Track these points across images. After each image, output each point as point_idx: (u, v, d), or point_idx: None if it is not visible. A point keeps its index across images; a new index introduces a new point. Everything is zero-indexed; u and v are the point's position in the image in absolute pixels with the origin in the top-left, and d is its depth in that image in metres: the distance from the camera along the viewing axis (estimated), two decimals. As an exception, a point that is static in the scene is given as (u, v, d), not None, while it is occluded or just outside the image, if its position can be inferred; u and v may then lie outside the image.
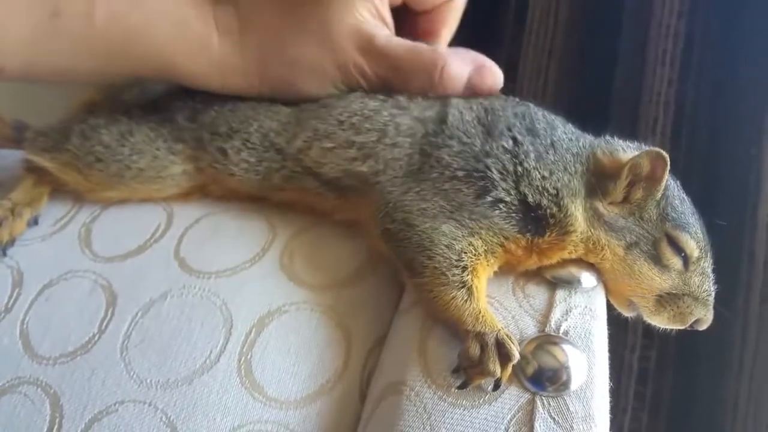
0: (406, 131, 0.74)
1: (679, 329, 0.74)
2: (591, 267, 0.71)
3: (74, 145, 0.80)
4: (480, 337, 0.63)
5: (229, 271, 0.75)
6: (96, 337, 0.71)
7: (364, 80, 0.76)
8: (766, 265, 0.93)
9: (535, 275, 0.71)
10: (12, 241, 0.77)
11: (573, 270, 0.70)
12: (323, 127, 0.76)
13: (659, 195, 0.70)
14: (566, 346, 0.63)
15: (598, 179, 0.72)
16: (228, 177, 0.79)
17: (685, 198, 0.73)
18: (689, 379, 1.03)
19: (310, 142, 0.76)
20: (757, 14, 0.98)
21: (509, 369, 0.62)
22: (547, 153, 0.71)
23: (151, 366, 0.69)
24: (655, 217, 0.71)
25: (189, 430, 0.66)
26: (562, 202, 0.69)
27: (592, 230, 0.70)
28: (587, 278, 0.70)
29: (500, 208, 0.69)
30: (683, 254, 0.71)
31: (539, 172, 0.70)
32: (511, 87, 1.15)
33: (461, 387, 0.62)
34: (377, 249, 0.74)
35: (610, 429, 0.63)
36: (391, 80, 0.76)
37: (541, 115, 0.75)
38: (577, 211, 0.70)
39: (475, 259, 0.68)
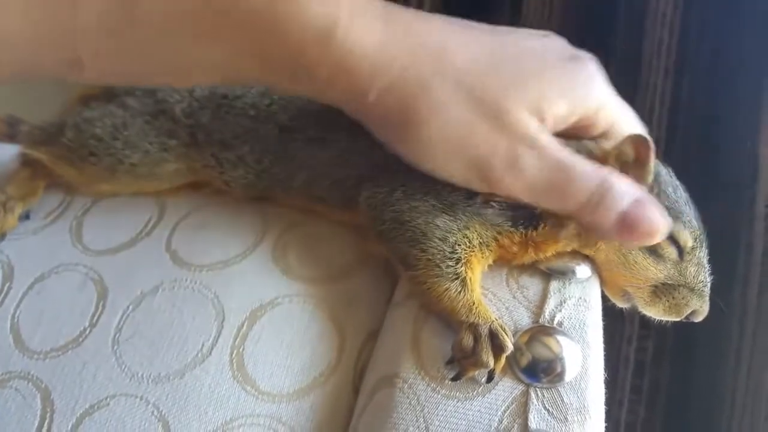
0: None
1: (676, 322, 0.74)
2: (585, 258, 0.71)
3: (69, 138, 0.79)
4: (473, 328, 0.63)
5: (221, 264, 0.74)
6: (87, 331, 0.70)
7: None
8: (763, 257, 0.93)
9: (529, 266, 0.70)
10: (2, 236, 0.77)
11: (567, 261, 0.69)
12: (320, 165, 0.75)
13: (650, 178, 0.70)
14: (560, 337, 0.63)
15: None
16: (224, 185, 0.79)
17: (679, 185, 0.73)
18: (686, 371, 1.03)
19: (311, 180, 0.76)
20: (753, 5, 0.97)
21: (503, 360, 0.62)
22: None
23: (142, 359, 0.68)
24: None
25: (180, 424, 0.65)
26: None
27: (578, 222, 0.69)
28: (582, 269, 0.69)
29: (493, 206, 0.68)
30: (677, 244, 0.70)
31: None
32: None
33: (455, 378, 0.62)
34: (376, 252, 0.74)
35: (607, 421, 0.63)
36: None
37: None
38: None
39: (470, 251, 0.67)
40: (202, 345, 0.69)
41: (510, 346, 0.62)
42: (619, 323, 1.01)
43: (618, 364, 1.03)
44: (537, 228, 0.68)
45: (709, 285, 0.72)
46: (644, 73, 1.04)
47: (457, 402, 0.61)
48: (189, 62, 0.61)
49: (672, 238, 0.70)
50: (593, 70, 0.64)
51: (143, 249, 0.76)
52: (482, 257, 0.69)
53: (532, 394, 0.61)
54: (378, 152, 0.72)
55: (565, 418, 0.60)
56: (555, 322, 0.65)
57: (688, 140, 1.01)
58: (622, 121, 0.68)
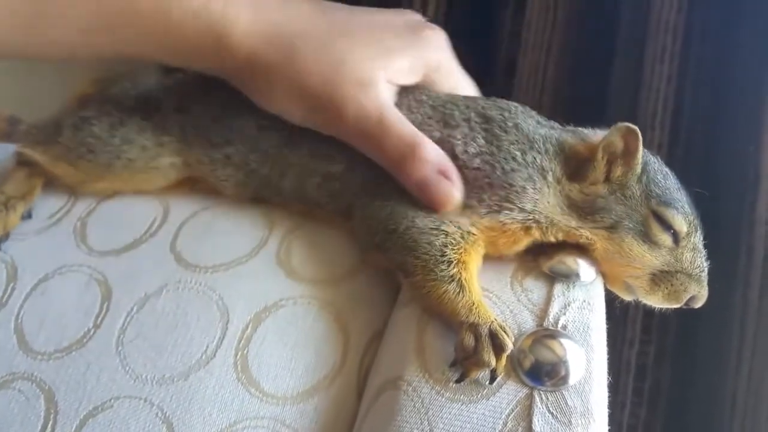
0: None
1: (678, 322, 0.74)
2: (589, 260, 0.71)
3: (66, 137, 0.79)
4: (474, 328, 0.63)
5: (226, 266, 0.74)
6: (91, 332, 0.70)
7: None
8: (764, 261, 0.93)
9: (534, 269, 0.70)
10: (6, 235, 0.77)
11: (571, 263, 0.69)
12: (302, 162, 0.76)
13: (639, 170, 0.70)
14: (564, 341, 0.63)
15: (575, 164, 0.72)
16: (219, 182, 0.79)
17: (669, 172, 0.73)
18: (687, 375, 1.03)
19: (302, 179, 0.76)
20: (756, 10, 0.97)
21: (503, 359, 0.62)
22: (506, 134, 0.72)
23: (146, 361, 0.68)
24: (638, 195, 0.71)
25: (185, 426, 0.65)
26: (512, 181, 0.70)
27: (559, 214, 0.70)
28: (586, 272, 0.69)
29: None
30: (672, 230, 0.70)
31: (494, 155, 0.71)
32: (509, 83, 1.15)
33: (459, 380, 0.62)
34: (375, 263, 0.74)
35: (608, 424, 0.63)
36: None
37: (493, 104, 0.76)
38: (535, 192, 0.70)
39: (459, 249, 0.68)
40: (207, 347, 0.69)
41: (510, 346, 0.62)
42: (620, 326, 1.01)
43: (620, 367, 1.03)
44: (499, 215, 0.69)
45: (706, 270, 0.72)
46: (647, 77, 1.04)
47: (462, 405, 0.61)
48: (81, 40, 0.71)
49: (666, 225, 0.70)
50: (437, 39, 0.75)
51: (148, 250, 0.76)
52: (472, 252, 0.69)
53: (537, 398, 0.61)
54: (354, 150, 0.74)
55: (570, 422, 0.60)
56: (559, 325, 0.65)
57: (690, 144, 1.01)
58: (460, 86, 0.79)
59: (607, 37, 1.08)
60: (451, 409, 0.61)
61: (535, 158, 0.71)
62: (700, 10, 1.01)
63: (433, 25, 0.76)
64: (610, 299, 0.73)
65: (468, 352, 0.62)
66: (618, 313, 0.75)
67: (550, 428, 0.59)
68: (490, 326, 0.63)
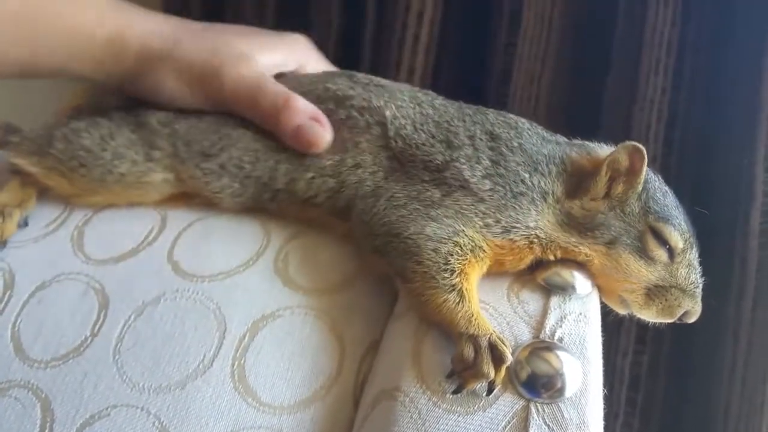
0: (365, 148, 0.76)
1: (672, 332, 0.75)
2: (585, 272, 0.71)
3: (57, 149, 0.79)
4: (473, 339, 0.63)
5: (223, 275, 0.74)
6: (88, 341, 0.70)
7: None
8: (758, 272, 0.94)
9: (530, 281, 0.71)
10: (3, 243, 0.77)
11: (567, 276, 0.70)
12: (295, 154, 0.77)
13: (640, 188, 0.71)
14: (561, 353, 0.63)
15: (578, 179, 0.73)
16: (214, 196, 0.80)
17: (668, 191, 0.75)
18: (681, 385, 1.03)
19: (293, 174, 0.77)
20: (749, 24, 0.98)
21: (503, 371, 0.62)
22: (513, 154, 0.73)
23: (144, 370, 0.68)
24: (637, 211, 0.72)
25: (181, 435, 0.65)
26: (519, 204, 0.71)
27: (557, 233, 0.71)
28: (582, 284, 0.70)
29: (467, 205, 0.71)
30: (668, 246, 0.72)
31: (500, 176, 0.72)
32: (504, 93, 1.16)
33: (456, 391, 0.63)
34: (374, 266, 0.74)
35: (602, 435, 0.63)
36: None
37: (502, 120, 0.77)
38: (538, 214, 0.71)
39: (463, 260, 0.68)
40: (204, 356, 0.69)
41: (510, 358, 0.62)
42: (614, 337, 1.01)
43: (613, 377, 1.03)
44: (510, 234, 0.70)
45: (700, 286, 0.73)
46: (641, 89, 1.04)
47: (458, 416, 0.62)
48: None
49: (662, 241, 0.71)
50: (303, 41, 0.87)
51: (145, 259, 0.76)
52: (476, 264, 0.70)
53: (533, 410, 0.61)
54: (350, 141, 0.76)
55: (566, 433, 0.60)
56: (555, 337, 0.65)
57: (684, 156, 1.02)
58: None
59: (601, 48, 1.08)
60: (447, 421, 0.62)
61: (539, 181, 0.72)
62: (694, 24, 1.02)
63: (299, 34, 0.87)
64: (605, 311, 0.74)
65: (467, 364, 0.62)
66: (612, 323, 0.76)
67: (547, 440, 0.60)
68: (489, 338, 0.63)
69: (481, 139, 0.74)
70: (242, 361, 0.69)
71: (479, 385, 0.62)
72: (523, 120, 0.77)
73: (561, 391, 0.61)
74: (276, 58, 0.82)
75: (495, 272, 0.72)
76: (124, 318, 0.71)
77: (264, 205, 0.79)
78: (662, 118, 1.04)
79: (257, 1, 1.34)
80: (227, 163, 0.78)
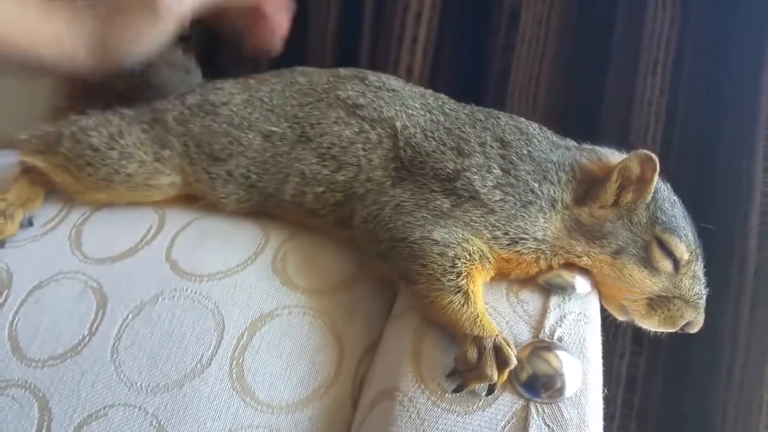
0: (377, 163, 0.75)
1: (670, 334, 0.74)
2: (585, 272, 0.71)
3: (66, 148, 0.79)
4: (477, 341, 0.63)
5: (221, 274, 0.74)
6: (86, 340, 0.70)
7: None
8: (756, 274, 0.94)
9: (529, 281, 0.71)
10: (2, 243, 0.77)
11: (567, 276, 0.70)
12: (308, 169, 0.76)
13: (649, 198, 0.71)
14: (560, 353, 0.63)
15: (587, 186, 0.72)
16: (218, 200, 0.80)
17: (676, 201, 0.74)
18: (678, 387, 1.03)
19: (302, 188, 0.77)
20: (748, 24, 0.98)
21: (506, 374, 0.62)
22: (522, 163, 0.73)
23: (141, 369, 0.68)
24: (645, 221, 0.71)
25: (179, 435, 0.65)
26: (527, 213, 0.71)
27: (565, 239, 0.71)
28: (581, 284, 0.70)
29: (477, 216, 0.71)
30: (673, 257, 0.71)
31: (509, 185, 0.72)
32: (502, 94, 1.16)
33: (456, 390, 0.62)
34: (377, 270, 0.74)
35: (600, 436, 0.63)
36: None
37: (513, 125, 0.76)
38: (546, 222, 0.71)
39: (470, 264, 0.68)
40: (202, 355, 0.69)
41: (514, 361, 0.62)
42: (611, 338, 1.01)
43: (610, 379, 1.02)
44: (517, 246, 0.70)
45: (704, 297, 0.73)
46: (639, 90, 1.04)
47: (457, 416, 0.61)
48: None
49: (668, 251, 0.71)
50: None
51: (143, 258, 0.76)
52: (483, 270, 0.69)
53: (533, 409, 0.61)
54: (363, 158, 0.75)
55: (565, 433, 0.60)
56: (555, 337, 0.65)
57: (682, 157, 1.01)
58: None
59: (600, 49, 1.08)
60: (446, 421, 0.62)
61: (548, 189, 0.72)
62: (692, 24, 1.01)
63: None
64: (603, 312, 0.74)
65: (470, 365, 0.62)
66: (609, 324, 0.76)
67: (546, 440, 0.60)
68: (494, 340, 0.63)
69: (491, 147, 0.74)
70: (240, 361, 0.69)
71: (479, 385, 0.62)
72: (534, 125, 0.77)
73: (561, 391, 0.61)
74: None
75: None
76: (122, 317, 0.71)
77: (267, 210, 0.80)
78: (661, 119, 1.04)
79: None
80: (234, 171, 0.78)
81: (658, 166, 0.70)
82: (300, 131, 0.78)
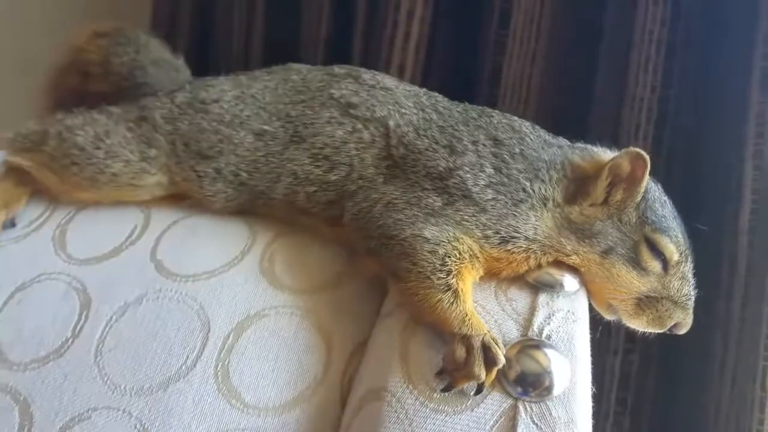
0: (370, 162, 0.74)
1: (660, 334, 0.74)
2: (574, 271, 0.71)
3: (51, 146, 0.79)
4: (466, 339, 0.63)
5: (207, 275, 0.73)
6: (70, 342, 0.69)
7: None
8: (747, 271, 0.93)
9: (518, 279, 0.70)
10: (-17, 244, 0.76)
11: (556, 274, 0.70)
12: (300, 169, 0.76)
13: (639, 197, 0.71)
14: (549, 351, 0.63)
15: (579, 184, 0.72)
16: (206, 198, 0.79)
17: (667, 201, 0.74)
18: (671, 384, 1.03)
19: (294, 187, 0.76)
20: (738, 22, 0.98)
21: (494, 373, 0.62)
22: (515, 161, 0.72)
23: (125, 371, 0.67)
24: (634, 220, 0.71)
25: (164, 437, 0.64)
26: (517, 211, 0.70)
27: (555, 237, 0.70)
28: (570, 282, 0.69)
29: (468, 215, 0.70)
30: (662, 258, 0.71)
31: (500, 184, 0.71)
32: (495, 92, 1.15)
33: (445, 390, 0.62)
34: (368, 268, 0.74)
35: (593, 434, 0.62)
36: None
37: (506, 124, 0.76)
38: (537, 219, 0.70)
39: (460, 263, 0.68)
40: (187, 357, 0.68)
41: (502, 360, 0.62)
42: (604, 336, 1.01)
43: (603, 376, 1.02)
44: (508, 245, 0.69)
45: (693, 298, 0.73)
46: (630, 87, 1.04)
47: (446, 416, 0.61)
48: None
49: (657, 252, 0.71)
50: None
51: (128, 258, 0.75)
52: (472, 268, 0.69)
53: (521, 408, 0.61)
54: (356, 158, 0.74)
55: (554, 432, 0.59)
56: (544, 335, 0.65)
57: (673, 155, 1.01)
58: None
59: (591, 47, 1.08)
60: (435, 421, 0.61)
61: (540, 188, 0.71)
62: (683, 23, 1.01)
63: None
64: (595, 311, 0.73)
65: (458, 364, 0.62)
66: (602, 321, 0.75)
67: (535, 439, 0.59)
68: (483, 338, 0.63)
69: (484, 145, 0.73)
70: (226, 362, 0.68)
71: (468, 385, 0.62)
72: (526, 123, 0.77)
73: (549, 389, 0.61)
74: None
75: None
76: (105, 318, 0.70)
77: (255, 209, 0.79)
78: (651, 117, 1.04)
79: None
80: (223, 169, 0.77)
81: (648, 164, 0.69)
82: (293, 131, 0.77)
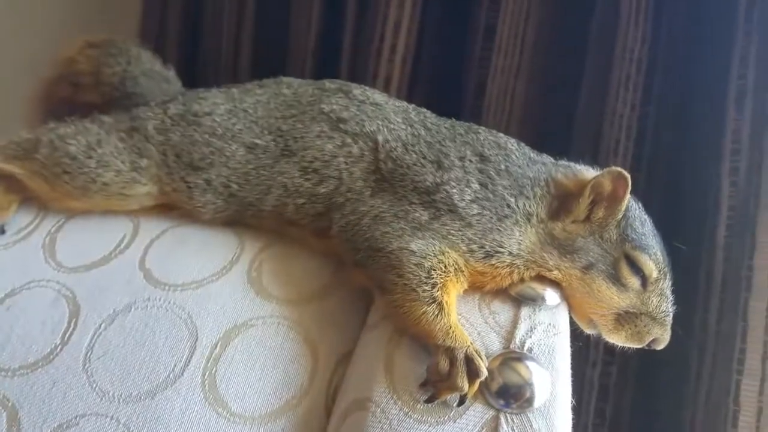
0: (358, 176, 0.76)
1: (639, 348, 0.76)
2: (555, 285, 0.72)
3: (43, 155, 0.79)
4: (449, 351, 0.64)
5: (196, 284, 0.74)
6: (58, 349, 0.69)
7: None
8: (723, 286, 0.95)
9: (501, 292, 0.72)
10: (-28, 251, 0.76)
11: (538, 287, 0.71)
12: (290, 182, 0.77)
13: (620, 215, 0.73)
14: (530, 363, 0.64)
15: (562, 201, 0.74)
16: (195, 209, 0.80)
17: (647, 219, 0.76)
18: (649, 396, 1.05)
19: (284, 199, 0.77)
20: (716, 43, 1.01)
21: (476, 385, 0.63)
22: (500, 178, 0.74)
23: (114, 379, 0.68)
24: (615, 238, 0.73)
25: (151, 445, 0.65)
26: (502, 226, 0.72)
27: (538, 252, 0.72)
28: (551, 296, 0.71)
29: (454, 229, 0.72)
30: (641, 274, 0.73)
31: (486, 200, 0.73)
32: (479, 104, 1.17)
33: (428, 401, 0.63)
34: (355, 279, 0.75)
35: (572, 445, 0.64)
36: None
37: (492, 140, 0.77)
38: (521, 234, 0.72)
39: (445, 276, 0.69)
40: (174, 365, 0.69)
41: (485, 372, 0.63)
42: (583, 348, 1.02)
43: (582, 388, 1.04)
44: (492, 259, 0.71)
45: (671, 315, 0.75)
46: (611, 104, 1.06)
47: (429, 427, 0.62)
48: None
49: (636, 268, 0.73)
50: None
51: (117, 267, 0.76)
52: (457, 282, 0.70)
53: (502, 419, 0.62)
54: (345, 171, 0.75)
55: (534, 443, 0.61)
56: (525, 347, 0.66)
57: (652, 171, 1.03)
58: None
59: (573, 64, 1.10)
60: (418, 431, 0.62)
61: (524, 204, 0.73)
62: (663, 42, 1.03)
63: None
64: (575, 324, 0.75)
65: (441, 376, 0.63)
66: (581, 334, 0.77)
67: (515, 450, 0.60)
68: (466, 351, 0.64)
69: (471, 161, 0.75)
70: (213, 371, 0.69)
71: (451, 396, 0.63)
72: (512, 141, 0.78)
73: (530, 401, 0.62)
74: None
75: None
76: (94, 326, 0.71)
77: (244, 219, 0.80)
78: (631, 134, 1.06)
79: (237, 6, 1.34)
80: (214, 180, 0.78)
81: (630, 183, 0.71)
82: (283, 145, 0.78)
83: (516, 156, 0.76)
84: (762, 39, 0.94)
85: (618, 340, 0.74)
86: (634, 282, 0.72)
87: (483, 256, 0.70)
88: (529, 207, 0.73)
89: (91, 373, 0.68)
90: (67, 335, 0.70)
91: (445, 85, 1.20)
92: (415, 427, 0.62)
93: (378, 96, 0.82)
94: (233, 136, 0.79)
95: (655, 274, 0.73)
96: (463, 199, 0.72)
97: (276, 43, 1.29)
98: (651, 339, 0.74)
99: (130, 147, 0.80)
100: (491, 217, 0.71)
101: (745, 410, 0.92)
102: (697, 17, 1.01)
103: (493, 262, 0.70)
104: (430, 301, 0.67)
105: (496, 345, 0.67)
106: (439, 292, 0.68)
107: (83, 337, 0.70)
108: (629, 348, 0.76)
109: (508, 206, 0.72)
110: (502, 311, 0.70)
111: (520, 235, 0.72)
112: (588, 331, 0.76)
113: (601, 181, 0.72)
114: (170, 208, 0.81)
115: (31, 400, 0.67)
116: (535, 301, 0.70)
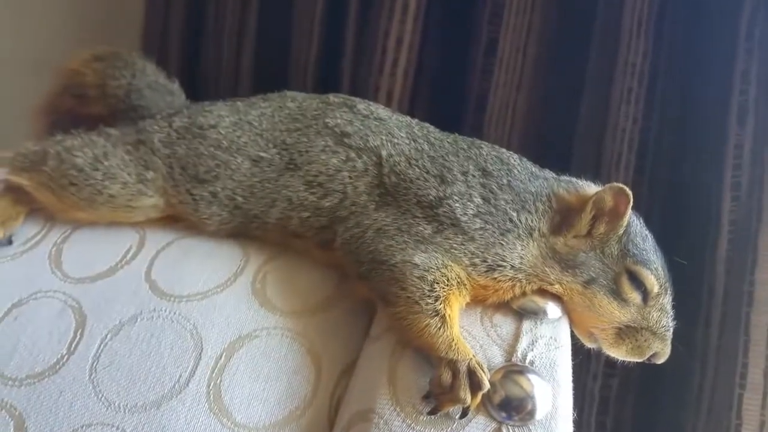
0: (363, 190, 0.77)
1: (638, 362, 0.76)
2: (557, 298, 0.73)
3: (50, 166, 0.80)
4: (452, 364, 0.64)
5: (201, 295, 0.75)
6: (65, 359, 0.70)
7: None
8: (724, 299, 0.96)
9: (503, 305, 0.72)
10: (-20, 261, 0.77)
11: (539, 301, 0.72)
12: (295, 195, 0.78)
13: (621, 230, 0.73)
14: (532, 376, 0.65)
15: (563, 216, 0.75)
16: (201, 221, 0.81)
17: (648, 235, 0.76)
18: (650, 409, 1.05)
19: (288, 213, 0.78)
20: (717, 57, 1.01)
21: (479, 397, 0.64)
22: (502, 192, 0.75)
23: (119, 389, 0.68)
24: (616, 253, 0.74)
25: (156, 455, 0.66)
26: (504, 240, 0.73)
27: (540, 266, 0.73)
28: (553, 309, 0.72)
29: (456, 243, 0.72)
30: (643, 289, 0.73)
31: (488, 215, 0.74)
32: (481, 117, 1.18)
33: (431, 413, 0.64)
34: (358, 292, 0.76)
35: (573, 458, 0.64)
36: None
37: (494, 155, 0.78)
38: (523, 249, 0.73)
39: (448, 289, 0.70)
40: (180, 376, 0.69)
41: (487, 385, 0.64)
42: (584, 360, 1.02)
43: (583, 401, 1.04)
44: (494, 273, 0.72)
45: (671, 329, 0.75)
46: (613, 117, 1.07)
47: (432, 438, 0.63)
48: None
49: (638, 283, 0.73)
50: None
51: (123, 278, 0.76)
52: (460, 295, 0.71)
53: (504, 432, 0.62)
54: (349, 186, 0.76)
55: (536, 456, 0.61)
56: (527, 360, 0.67)
57: (654, 184, 1.04)
58: None
59: (575, 77, 1.10)
60: (421, 443, 0.63)
61: (526, 219, 0.74)
62: (664, 54, 1.04)
63: None
64: (576, 337, 0.75)
65: (444, 388, 0.64)
66: (582, 346, 0.77)
67: (517, 462, 0.61)
68: (468, 363, 0.65)
69: (473, 176, 0.76)
70: (218, 382, 0.69)
71: (453, 408, 0.63)
72: (514, 156, 0.79)
73: (532, 414, 0.63)
74: None
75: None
76: (100, 337, 0.71)
77: (249, 232, 0.81)
78: (633, 147, 1.06)
79: (238, 21, 1.35)
80: (219, 193, 0.79)
81: (631, 199, 0.72)
82: (288, 158, 0.79)
83: (518, 171, 0.77)
84: (763, 55, 0.95)
85: (618, 354, 0.75)
86: (635, 297, 0.73)
87: (485, 269, 0.71)
88: (531, 221, 0.73)
89: (97, 383, 0.69)
90: (73, 345, 0.71)
91: (446, 98, 1.21)
92: (418, 439, 0.63)
93: (382, 111, 0.83)
94: (238, 149, 0.80)
95: (656, 289, 0.73)
96: (466, 213, 0.73)
97: (277, 57, 1.29)
98: (651, 353, 0.74)
99: (136, 159, 0.80)
100: (494, 232, 0.72)
101: (747, 424, 0.92)
102: (699, 31, 1.02)
103: (496, 276, 0.71)
104: (433, 314, 0.68)
105: (498, 358, 0.67)
106: (441, 305, 0.68)
107: (89, 347, 0.71)
108: (630, 362, 0.77)
109: (511, 221, 0.73)
110: (504, 324, 0.70)
111: (522, 250, 0.72)
112: (589, 344, 0.76)
113: (602, 196, 0.73)
114: (176, 219, 0.82)
115: (38, 409, 0.68)
116: (536, 314, 0.71)
